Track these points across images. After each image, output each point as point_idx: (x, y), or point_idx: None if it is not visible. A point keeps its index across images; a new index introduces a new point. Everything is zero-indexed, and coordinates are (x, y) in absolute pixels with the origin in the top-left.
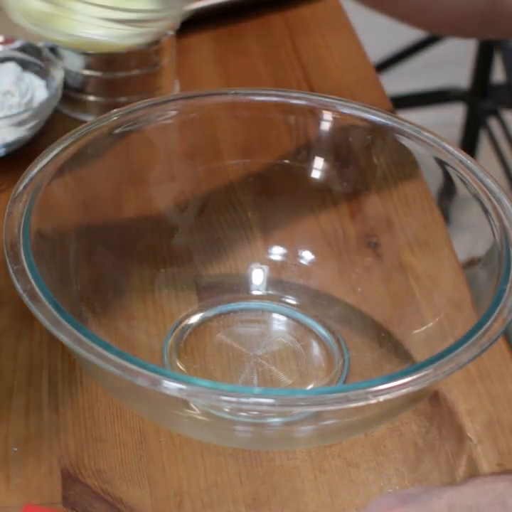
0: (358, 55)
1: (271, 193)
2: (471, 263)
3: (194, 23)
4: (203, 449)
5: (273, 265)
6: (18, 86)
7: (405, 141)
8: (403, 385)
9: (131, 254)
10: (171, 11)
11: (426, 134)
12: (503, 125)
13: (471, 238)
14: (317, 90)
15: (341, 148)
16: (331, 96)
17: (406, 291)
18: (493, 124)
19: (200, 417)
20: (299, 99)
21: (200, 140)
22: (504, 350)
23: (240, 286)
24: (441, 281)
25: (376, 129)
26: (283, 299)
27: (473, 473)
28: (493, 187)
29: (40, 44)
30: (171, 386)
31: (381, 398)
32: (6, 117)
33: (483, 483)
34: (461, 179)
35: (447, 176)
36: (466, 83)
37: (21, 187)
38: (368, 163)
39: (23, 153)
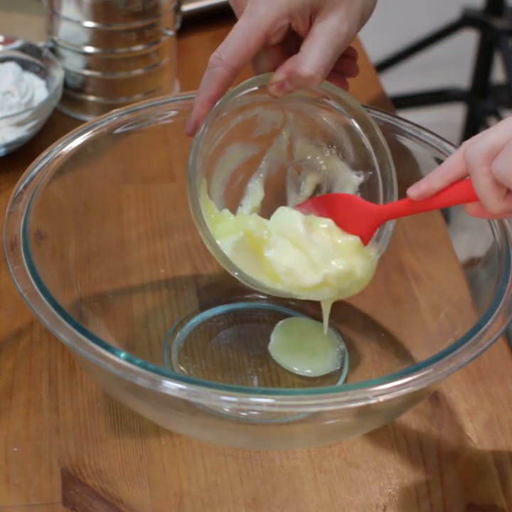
0: (358, 55)
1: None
2: (471, 263)
3: (194, 23)
4: (203, 449)
5: None
6: (18, 86)
7: (405, 141)
8: (403, 385)
9: (131, 254)
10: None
11: (426, 134)
12: None
13: (471, 238)
14: None
15: None
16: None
17: (406, 291)
18: (493, 124)
19: (200, 417)
20: None
21: None
22: (504, 350)
23: (240, 286)
24: (441, 281)
25: None
26: (283, 299)
27: (473, 473)
28: None
29: (40, 44)
30: (171, 386)
31: (381, 398)
32: (6, 117)
33: None
34: None
35: None
36: (466, 83)
37: (21, 187)
38: None
39: (23, 153)
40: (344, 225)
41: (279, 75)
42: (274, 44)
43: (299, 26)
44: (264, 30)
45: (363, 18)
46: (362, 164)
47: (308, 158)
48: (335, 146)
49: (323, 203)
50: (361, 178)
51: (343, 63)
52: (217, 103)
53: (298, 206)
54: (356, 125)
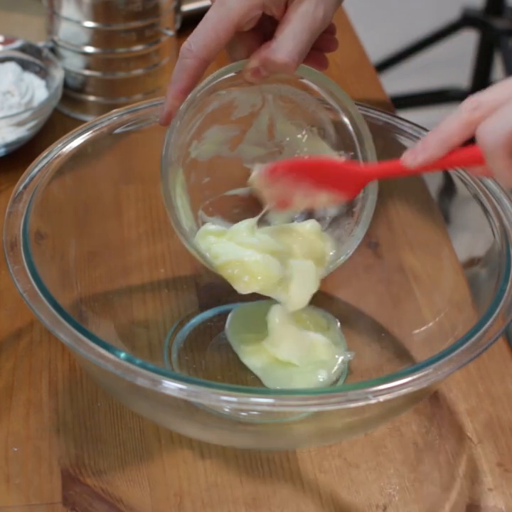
0: (358, 55)
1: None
2: (471, 263)
3: (194, 23)
4: (203, 449)
5: None
6: (18, 86)
7: (405, 141)
8: (403, 385)
9: (131, 254)
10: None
11: (426, 134)
12: None
13: (471, 238)
14: None
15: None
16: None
17: (406, 291)
18: None
19: (200, 417)
20: None
21: None
22: (504, 350)
23: None
24: (441, 281)
25: (376, 129)
26: None
27: (473, 473)
28: (493, 187)
29: (40, 44)
30: (171, 386)
31: (381, 398)
32: (6, 117)
33: None
34: (461, 179)
35: (447, 176)
36: (466, 83)
37: (21, 187)
38: None
39: (23, 153)
40: (329, 185)
41: (254, 62)
42: (247, 30)
43: (273, 13)
44: (234, 21)
45: (339, 0)
46: (343, 144)
47: (289, 138)
48: (316, 126)
49: (304, 168)
50: (343, 159)
51: (321, 39)
52: (190, 94)
53: (271, 169)
54: (335, 105)
